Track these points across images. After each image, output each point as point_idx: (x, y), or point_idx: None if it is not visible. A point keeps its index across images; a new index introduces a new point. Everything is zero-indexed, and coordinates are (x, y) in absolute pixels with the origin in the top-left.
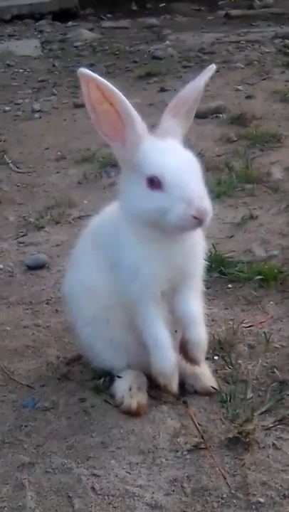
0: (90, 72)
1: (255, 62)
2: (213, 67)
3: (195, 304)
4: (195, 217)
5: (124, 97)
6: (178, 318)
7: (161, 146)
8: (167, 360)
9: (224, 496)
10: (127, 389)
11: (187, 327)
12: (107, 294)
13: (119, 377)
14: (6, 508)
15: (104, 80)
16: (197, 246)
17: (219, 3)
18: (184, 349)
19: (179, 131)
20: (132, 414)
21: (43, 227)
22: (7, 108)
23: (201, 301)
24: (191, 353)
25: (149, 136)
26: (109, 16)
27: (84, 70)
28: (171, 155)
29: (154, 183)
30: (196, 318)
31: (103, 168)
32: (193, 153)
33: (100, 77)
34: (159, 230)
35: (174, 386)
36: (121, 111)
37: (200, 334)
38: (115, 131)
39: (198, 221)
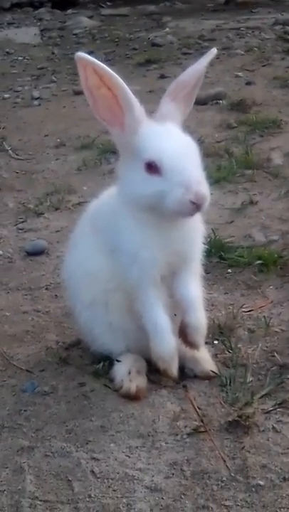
0: (88, 56)
1: (255, 48)
2: (214, 51)
3: (194, 288)
4: (193, 202)
5: (122, 81)
6: (177, 302)
7: (160, 130)
8: (167, 345)
9: (224, 479)
10: (126, 373)
11: (186, 311)
12: (106, 278)
13: (118, 361)
14: (5, 492)
15: (102, 64)
16: (196, 230)
17: None
18: (184, 333)
19: (178, 116)
20: (131, 398)
21: (42, 214)
22: (6, 95)
23: (200, 285)
24: (190, 337)
25: (147, 121)
26: (108, 3)
27: (81, 54)
28: (170, 139)
29: (152, 167)
30: (195, 302)
31: (103, 155)
32: (192, 138)
33: (97, 61)
34: (157, 214)
35: (174, 370)
36: (119, 95)
37: (199, 318)
38: (113, 116)
39: (196, 206)
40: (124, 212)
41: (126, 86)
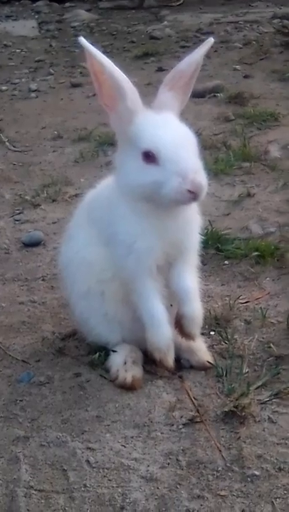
0: (86, 42)
1: (254, 42)
2: (211, 40)
3: (190, 279)
4: (190, 191)
5: (115, 69)
6: (173, 293)
7: (157, 119)
8: (163, 335)
9: (219, 468)
10: (122, 363)
11: (182, 302)
12: (101, 268)
13: (114, 351)
14: (0, 481)
15: (96, 52)
16: (193, 221)
17: None
18: (179, 324)
19: (176, 105)
20: (127, 388)
21: (39, 205)
22: (4, 88)
23: (196, 275)
24: (186, 328)
25: (144, 110)
26: None
27: (81, 40)
28: (167, 129)
29: (150, 157)
30: (191, 292)
31: (100, 147)
32: (188, 127)
33: (93, 49)
34: (154, 204)
35: (170, 361)
36: (112, 82)
37: (195, 309)
38: (113, 102)
39: (193, 195)
40: (121, 202)
41: (120, 74)
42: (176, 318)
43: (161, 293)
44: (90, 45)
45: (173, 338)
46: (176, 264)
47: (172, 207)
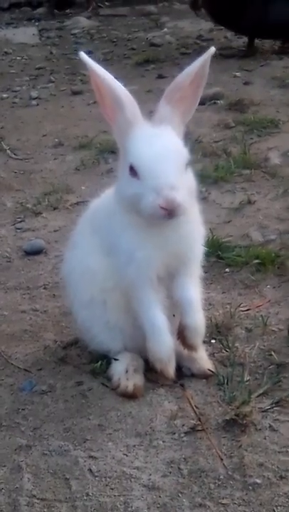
0: (84, 56)
1: None
2: (211, 50)
3: (193, 290)
4: (163, 208)
5: (114, 82)
6: (176, 303)
7: (147, 133)
8: (164, 346)
9: (221, 477)
10: (124, 371)
11: (185, 313)
12: (104, 277)
13: (115, 359)
14: (3, 490)
15: (95, 65)
16: (194, 232)
17: None
18: (182, 334)
19: (175, 118)
20: (129, 396)
21: (40, 213)
22: (5, 95)
23: (199, 286)
24: (188, 339)
25: (142, 123)
26: (107, 3)
27: (82, 54)
28: (152, 144)
29: (133, 170)
30: (193, 304)
31: (101, 155)
32: (181, 142)
33: (91, 62)
34: (139, 216)
35: (171, 371)
36: (111, 95)
37: (197, 320)
38: (113, 114)
39: (166, 211)
40: (119, 212)
41: (118, 87)
42: (178, 329)
43: (163, 303)
44: (90, 59)
45: (174, 349)
46: (178, 275)
47: (151, 221)
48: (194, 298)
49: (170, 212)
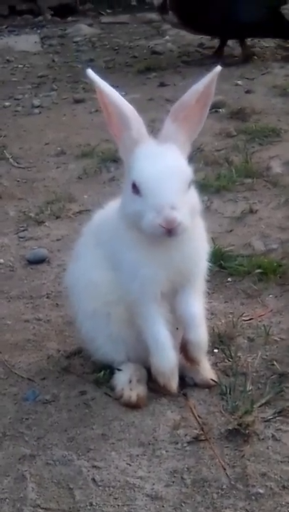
0: (91, 73)
1: (255, 57)
2: (218, 68)
3: (196, 305)
4: (163, 227)
5: (120, 99)
6: (179, 318)
7: (150, 152)
8: (167, 361)
9: (224, 487)
10: (127, 382)
11: (188, 328)
12: (108, 290)
13: (119, 370)
14: (7, 500)
15: (102, 83)
16: (199, 249)
17: None
18: (184, 348)
19: (181, 137)
20: (132, 406)
21: (43, 222)
22: (7, 103)
23: (202, 301)
24: (191, 354)
25: (147, 140)
26: (108, 11)
27: (89, 72)
28: (155, 162)
29: (135, 187)
30: (196, 319)
31: (103, 163)
32: (185, 161)
33: (98, 80)
34: (141, 233)
35: (174, 386)
36: (117, 112)
37: (200, 335)
38: (119, 132)
39: (166, 230)
40: (124, 229)
41: (124, 105)
42: (181, 344)
43: (166, 317)
44: (96, 77)
45: (177, 363)
46: (182, 291)
47: (152, 239)
48: (198, 313)
49: (170, 230)
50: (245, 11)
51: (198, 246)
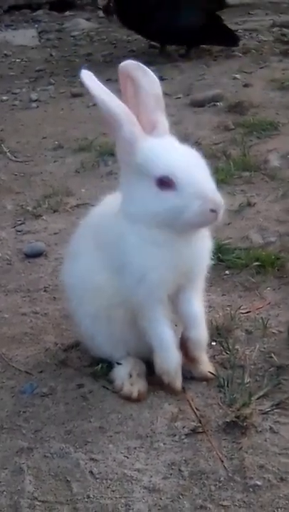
0: (85, 74)
1: (253, 50)
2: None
3: (197, 304)
4: (212, 211)
5: (112, 99)
6: (180, 316)
7: (165, 144)
8: (172, 361)
9: (221, 479)
10: (127, 376)
11: (189, 327)
12: (110, 294)
13: (118, 363)
14: (4, 492)
15: (92, 85)
16: (205, 248)
17: None
18: (184, 346)
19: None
20: (132, 401)
21: (40, 216)
22: (4, 98)
23: (202, 298)
24: (191, 352)
25: (145, 136)
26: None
27: (82, 72)
28: (178, 153)
29: (165, 183)
30: (197, 317)
31: (100, 157)
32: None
33: (89, 81)
34: (171, 231)
35: (178, 384)
36: (109, 113)
37: (201, 334)
38: (114, 132)
39: (215, 214)
40: (131, 232)
41: (116, 106)
42: (181, 341)
43: (168, 316)
44: (88, 79)
45: (180, 362)
46: (185, 290)
47: (193, 231)
48: (198, 311)
49: (217, 214)
50: (183, 18)
51: (204, 244)
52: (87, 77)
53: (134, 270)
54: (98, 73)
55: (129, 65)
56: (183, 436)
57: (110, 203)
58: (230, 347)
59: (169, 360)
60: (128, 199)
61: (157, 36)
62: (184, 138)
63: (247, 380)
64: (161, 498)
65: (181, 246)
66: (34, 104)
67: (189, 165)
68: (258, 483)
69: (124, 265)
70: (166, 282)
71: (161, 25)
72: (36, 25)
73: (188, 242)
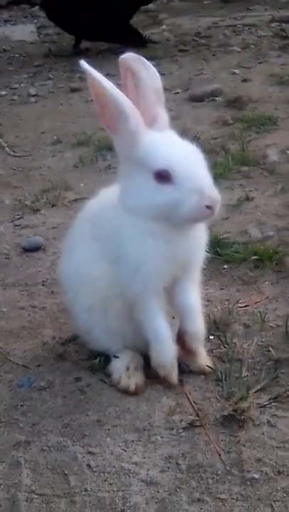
0: (85, 64)
1: (252, 45)
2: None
3: (194, 296)
4: (208, 207)
5: (117, 91)
6: (176, 309)
7: (164, 138)
8: (168, 354)
9: (219, 472)
10: (124, 369)
11: (186, 319)
12: (106, 286)
13: (116, 357)
14: (2, 486)
15: (97, 74)
16: (201, 240)
17: None
18: (181, 339)
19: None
20: (129, 394)
21: (38, 210)
22: (3, 92)
23: (199, 291)
24: (188, 344)
25: (146, 130)
26: None
27: (82, 63)
28: (177, 147)
29: (164, 176)
30: (194, 310)
31: (99, 152)
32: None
33: (93, 71)
34: (168, 224)
35: (174, 377)
36: (114, 105)
37: (198, 326)
38: (115, 125)
39: (211, 210)
40: (128, 223)
41: (120, 96)
42: (178, 334)
43: (165, 309)
44: (91, 68)
45: (176, 354)
46: (181, 282)
47: (189, 225)
48: (195, 304)
49: (213, 210)
50: (102, 14)
51: (200, 236)
52: (89, 67)
53: (130, 261)
54: (97, 68)
55: (130, 57)
56: (180, 430)
57: (107, 195)
58: (228, 341)
59: (165, 354)
60: (126, 192)
61: (75, 31)
62: (183, 133)
63: (245, 373)
64: (158, 491)
65: (177, 238)
66: (33, 99)
67: (188, 159)
68: (256, 476)
69: (121, 256)
70: (162, 274)
71: (79, 20)
72: (35, 21)
73: (184, 235)
